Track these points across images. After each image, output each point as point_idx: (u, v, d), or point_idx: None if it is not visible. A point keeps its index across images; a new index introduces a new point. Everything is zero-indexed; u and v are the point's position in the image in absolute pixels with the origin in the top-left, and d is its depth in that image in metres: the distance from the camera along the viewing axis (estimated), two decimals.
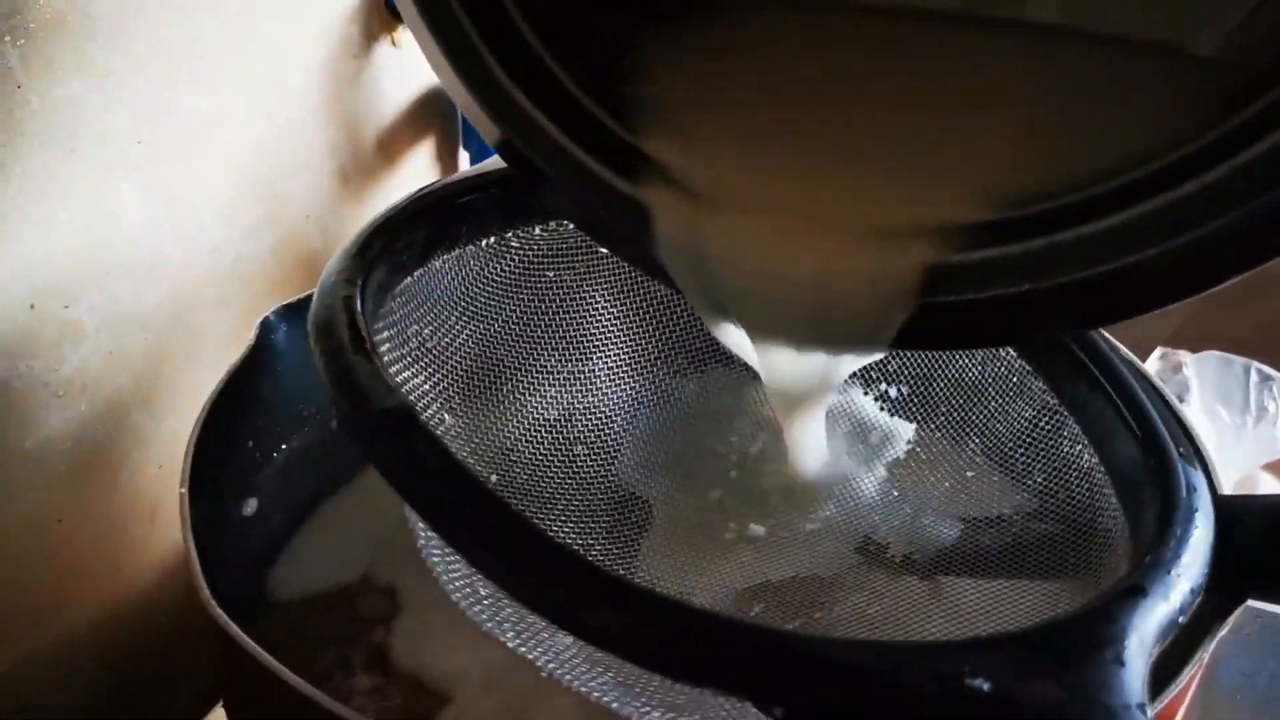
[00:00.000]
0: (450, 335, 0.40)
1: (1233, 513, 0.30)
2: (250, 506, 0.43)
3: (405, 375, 0.38)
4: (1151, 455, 0.32)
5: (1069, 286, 0.27)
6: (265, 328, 0.42)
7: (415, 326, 0.38)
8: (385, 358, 0.36)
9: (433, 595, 0.41)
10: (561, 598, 0.24)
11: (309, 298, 0.41)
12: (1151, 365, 0.59)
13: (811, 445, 0.35)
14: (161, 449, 0.46)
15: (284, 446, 0.45)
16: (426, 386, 0.39)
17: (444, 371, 0.40)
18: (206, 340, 0.47)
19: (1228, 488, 0.54)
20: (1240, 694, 0.47)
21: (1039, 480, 0.37)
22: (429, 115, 0.62)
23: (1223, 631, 0.31)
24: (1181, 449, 0.31)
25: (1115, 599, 0.25)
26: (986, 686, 0.23)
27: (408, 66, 0.58)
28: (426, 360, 0.39)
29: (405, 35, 0.56)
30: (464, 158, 0.65)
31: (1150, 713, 0.24)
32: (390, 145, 0.59)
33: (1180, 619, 0.27)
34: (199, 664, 0.33)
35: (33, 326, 0.40)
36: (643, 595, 0.24)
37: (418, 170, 0.61)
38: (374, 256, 0.35)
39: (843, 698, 0.23)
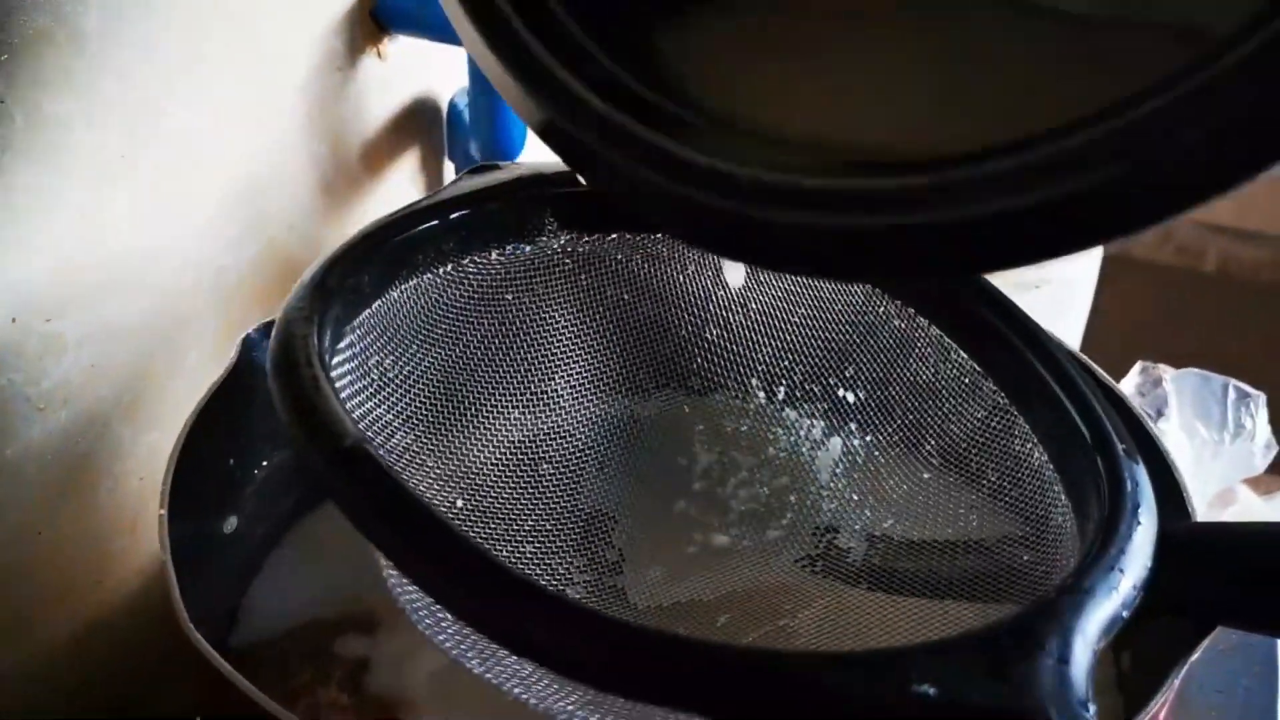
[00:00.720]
0: (411, 364, 0.41)
1: (1204, 540, 0.31)
2: (231, 524, 0.43)
3: (368, 406, 0.38)
4: (1096, 451, 0.32)
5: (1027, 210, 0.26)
6: (247, 345, 0.42)
7: (376, 357, 0.39)
8: (346, 390, 0.37)
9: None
10: (516, 624, 0.25)
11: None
12: (1131, 379, 0.60)
13: None
14: (143, 461, 0.46)
15: (264, 463, 0.45)
16: (389, 416, 0.39)
17: (407, 400, 0.40)
18: (189, 352, 0.48)
19: (1205, 503, 0.56)
20: (1215, 711, 0.48)
21: (993, 479, 0.38)
22: (413, 127, 0.62)
23: (1194, 656, 0.32)
24: (1125, 446, 0.32)
25: (1056, 599, 0.26)
26: (933, 692, 0.24)
27: (392, 79, 0.58)
28: (389, 390, 0.39)
29: (390, 48, 0.57)
30: (448, 168, 0.66)
31: (1093, 709, 0.24)
32: (374, 157, 0.59)
33: (1124, 614, 0.27)
34: (181, 675, 0.34)
35: (14, 340, 0.40)
36: (595, 618, 0.25)
37: (402, 181, 0.62)
38: (330, 291, 0.36)
39: (793, 708, 0.24)
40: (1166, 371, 0.59)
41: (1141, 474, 0.31)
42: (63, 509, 0.44)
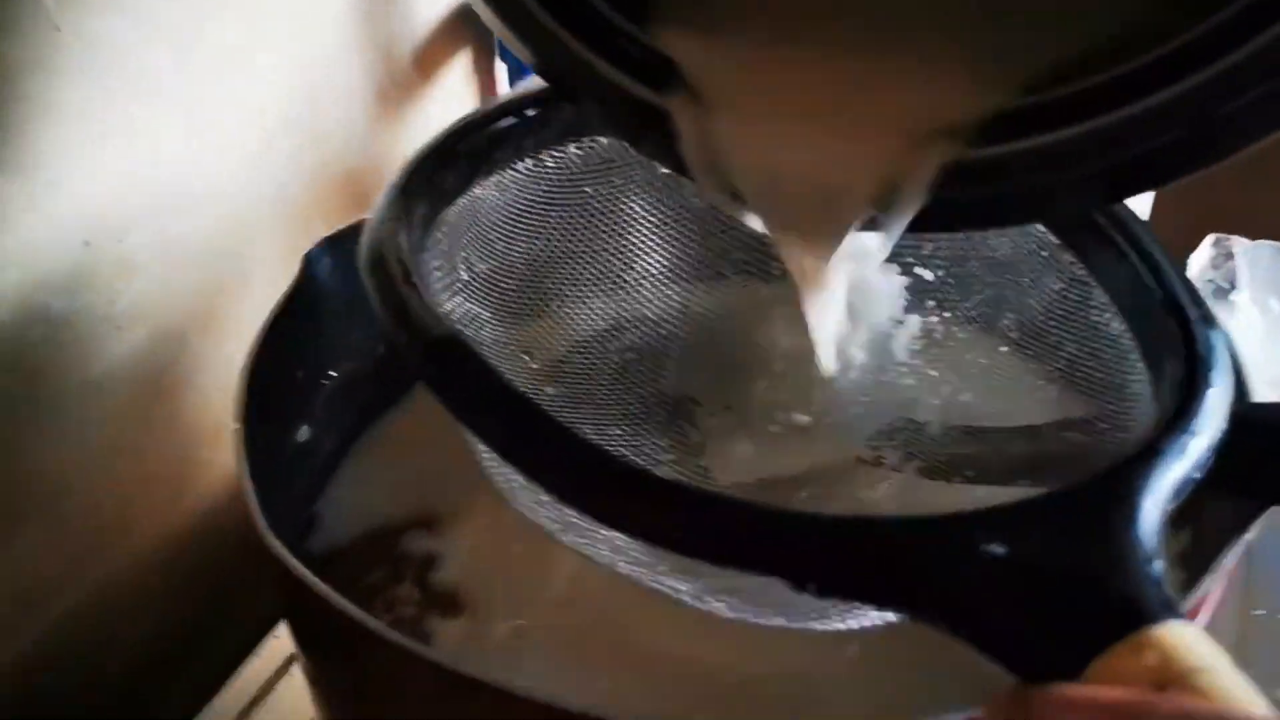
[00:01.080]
0: (496, 258, 0.42)
1: (1259, 419, 0.31)
2: (303, 434, 0.45)
3: (456, 301, 0.40)
4: (1172, 318, 0.33)
5: (1089, 176, 0.28)
6: (309, 261, 0.43)
7: (463, 253, 0.40)
8: (436, 285, 0.38)
9: (481, 511, 0.43)
10: (612, 502, 0.27)
11: (350, 229, 0.43)
12: (1203, 253, 0.59)
13: (830, 332, 0.37)
14: (222, 373, 0.47)
15: (332, 374, 0.46)
16: (478, 309, 0.41)
17: (494, 293, 0.42)
18: (256, 266, 0.49)
19: (1273, 381, 0.55)
20: None
21: (1070, 351, 0.38)
22: (463, 31, 0.62)
23: (1248, 536, 0.32)
24: (1201, 311, 0.32)
25: (1128, 460, 0.27)
26: (1002, 551, 0.25)
27: None
28: (476, 285, 0.41)
29: None
30: (501, 70, 0.66)
31: (1161, 565, 0.25)
32: (426, 63, 0.60)
33: (1196, 475, 0.28)
34: (263, 579, 0.36)
35: (89, 263, 0.42)
36: (686, 492, 0.26)
37: (454, 86, 0.62)
38: (415, 191, 0.37)
39: (867, 570, 0.25)
40: (1239, 244, 0.58)
41: (1217, 338, 0.31)
42: (148, 422, 0.46)
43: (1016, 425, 0.38)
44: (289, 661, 0.51)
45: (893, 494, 0.38)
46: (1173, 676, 0.22)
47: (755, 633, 0.31)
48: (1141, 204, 0.71)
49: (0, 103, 0.37)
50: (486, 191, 0.41)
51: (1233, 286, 0.57)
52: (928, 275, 0.43)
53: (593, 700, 0.27)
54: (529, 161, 0.43)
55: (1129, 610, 0.24)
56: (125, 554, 0.47)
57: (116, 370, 0.44)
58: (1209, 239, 0.60)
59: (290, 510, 0.44)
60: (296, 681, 0.50)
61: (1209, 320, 0.32)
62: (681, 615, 0.32)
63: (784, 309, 0.45)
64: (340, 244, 0.43)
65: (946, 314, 0.43)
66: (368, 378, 0.48)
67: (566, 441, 0.27)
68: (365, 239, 0.35)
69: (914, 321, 0.43)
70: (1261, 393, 0.52)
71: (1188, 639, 0.23)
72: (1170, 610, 0.24)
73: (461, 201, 0.40)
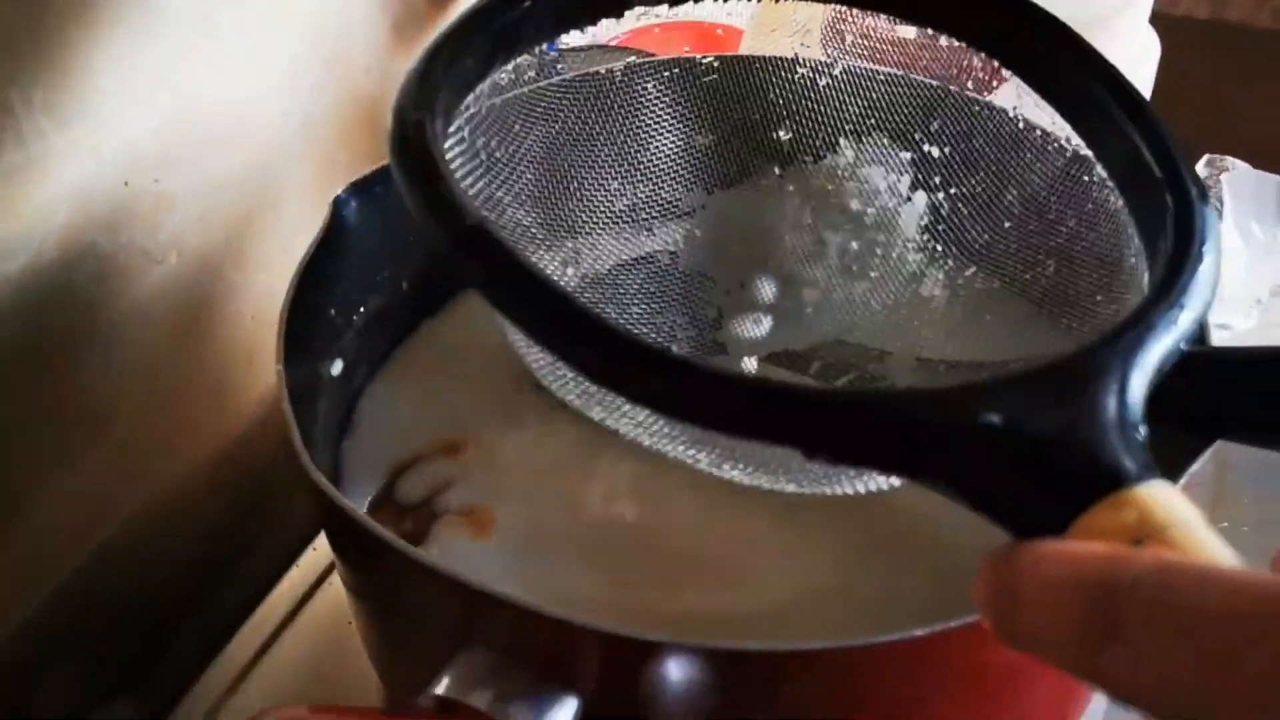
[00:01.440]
0: (516, 142, 0.43)
1: (1210, 359, 0.33)
2: (337, 367, 0.47)
3: (480, 185, 0.41)
4: (1168, 193, 0.34)
5: None
6: (337, 205, 0.45)
7: (483, 139, 0.41)
8: (460, 172, 0.40)
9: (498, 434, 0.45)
10: (637, 379, 0.28)
11: (375, 174, 0.44)
12: (1198, 171, 0.60)
13: None
14: (255, 302, 0.51)
15: (362, 310, 0.48)
16: (500, 194, 0.42)
17: (515, 178, 0.43)
18: (287, 198, 0.51)
19: (1248, 304, 0.56)
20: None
21: (1071, 225, 0.39)
22: None
23: (1194, 468, 0.34)
24: (1196, 189, 0.34)
25: (1117, 333, 0.29)
26: (998, 419, 0.27)
27: None
28: (498, 169, 0.42)
29: None
30: None
31: (1144, 431, 0.27)
32: None
33: (1182, 346, 0.30)
34: (300, 492, 0.39)
35: (129, 201, 0.44)
36: (699, 370, 0.28)
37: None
38: (436, 80, 0.38)
39: (873, 440, 0.27)
40: (1234, 164, 0.59)
41: (1209, 214, 0.33)
42: (186, 347, 0.49)
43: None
44: (329, 569, 0.54)
45: (900, 364, 0.40)
46: (1150, 531, 0.24)
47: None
48: None
49: (48, 54, 0.39)
50: (504, 76, 0.42)
51: (1218, 209, 0.58)
52: (934, 152, 0.44)
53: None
54: (544, 45, 0.43)
55: (1111, 472, 0.25)
56: (174, 468, 0.50)
57: (157, 300, 0.46)
58: (1203, 158, 0.62)
59: (327, 437, 0.46)
60: (335, 590, 0.53)
61: (1203, 197, 0.33)
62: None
63: (794, 188, 0.47)
64: (366, 188, 0.45)
65: (953, 190, 0.44)
66: (395, 310, 0.50)
67: (590, 324, 0.29)
68: (392, 130, 0.36)
69: (920, 199, 0.44)
70: (1245, 311, 0.55)
71: (1166, 497, 0.25)
72: (1151, 471, 0.26)
73: (481, 87, 0.41)
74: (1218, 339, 0.61)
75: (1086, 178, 0.39)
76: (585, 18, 0.44)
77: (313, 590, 0.54)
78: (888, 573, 0.37)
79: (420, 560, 0.33)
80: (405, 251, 0.47)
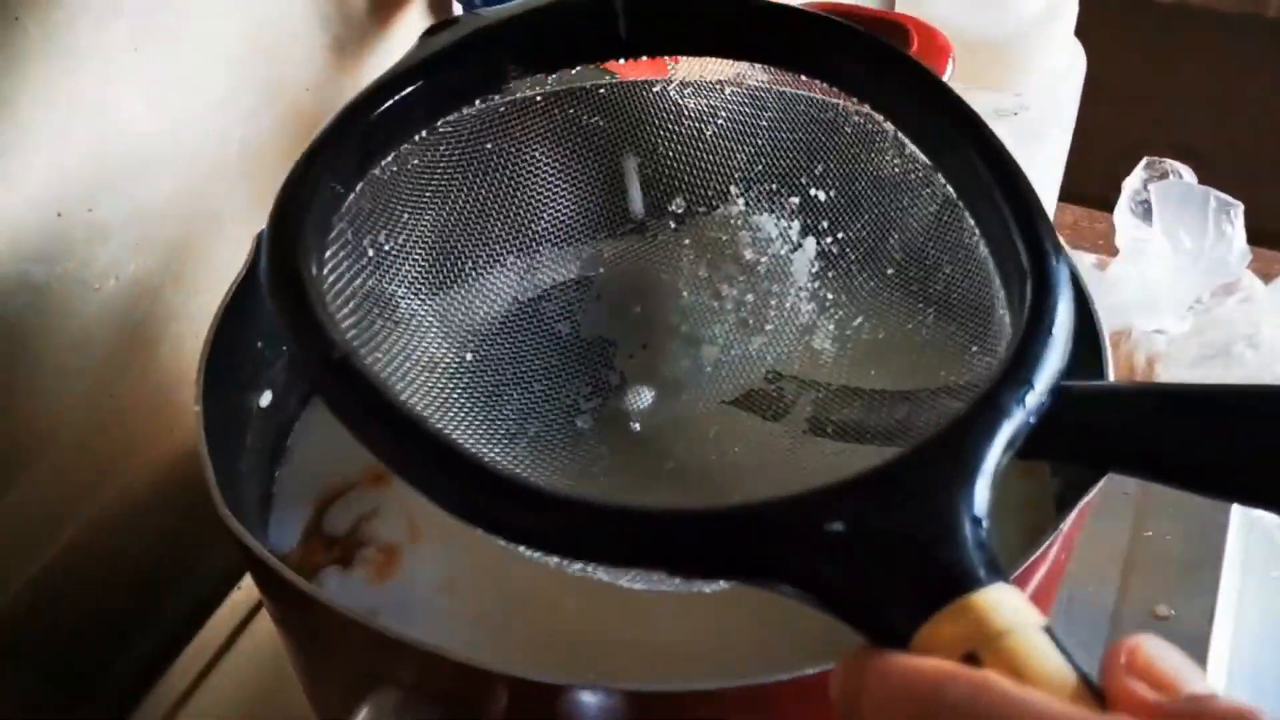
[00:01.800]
0: (405, 231, 0.43)
1: (1098, 395, 0.33)
2: (266, 398, 0.47)
3: (370, 284, 0.42)
4: (1024, 249, 0.34)
5: None
6: (260, 241, 0.43)
7: (369, 236, 0.42)
8: (344, 277, 0.40)
9: None
10: (487, 509, 0.29)
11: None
12: (1136, 175, 0.61)
13: None
14: (197, 321, 0.50)
15: None
16: (392, 287, 0.42)
17: (407, 268, 0.43)
18: (225, 219, 0.52)
19: (1183, 306, 0.57)
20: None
21: (947, 272, 0.40)
22: None
23: (1084, 500, 0.35)
24: (1050, 246, 0.34)
25: (959, 423, 0.29)
26: (841, 527, 0.27)
27: None
28: (388, 263, 0.43)
29: None
30: (458, 10, 0.66)
31: (987, 528, 0.28)
32: (382, 7, 0.60)
33: (1031, 420, 0.30)
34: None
35: (62, 231, 0.45)
36: (545, 496, 0.29)
37: (413, 29, 0.62)
38: (308, 192, 0.38)
39: (719, 556, 0.28)
40: (1176, 166, 0.60)
41: (1064, 283, 0.33)
42: (128, 370, 0.50)
43: (895, 389, 0.40)
44: None
45: (796, 425, 0.40)
46: (985, 641, 0.25)
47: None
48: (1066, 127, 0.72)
49: None
50: (384, 171, 0.42)
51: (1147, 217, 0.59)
52: (821, 195, 0.45)
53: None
54: (423, 132, 0.44)
55: (953, 577, 0.26)
56: (117, 491, 0.51)
57: (95, 327, 0.48)
58: (1143, 161, 0.62)
59: (258, 466, 0.47)
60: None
61: (1059, 260, 0.33)
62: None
63: (689, 242, 0.47)
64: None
65: (840, 234, 0.44)
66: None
67: (448, 460, 0.30)
68: (264, 252, 0.36)
69: (810, 245, 0.45)
70: (1178, 315, 0.55)
71: (1005, 603, 0.25)
72: (994, 573, 0.26)
73: (360, 186, 0.41)
74: (1153, 343, 0.62)
75: (958, 223, 0.39)
76: (460, 101, 0.44)
77: (255, 610, 0.55)
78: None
79: (325, 603, 0.34)
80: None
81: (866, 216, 0.43)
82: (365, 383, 0.32)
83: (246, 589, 0.56)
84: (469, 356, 0.43)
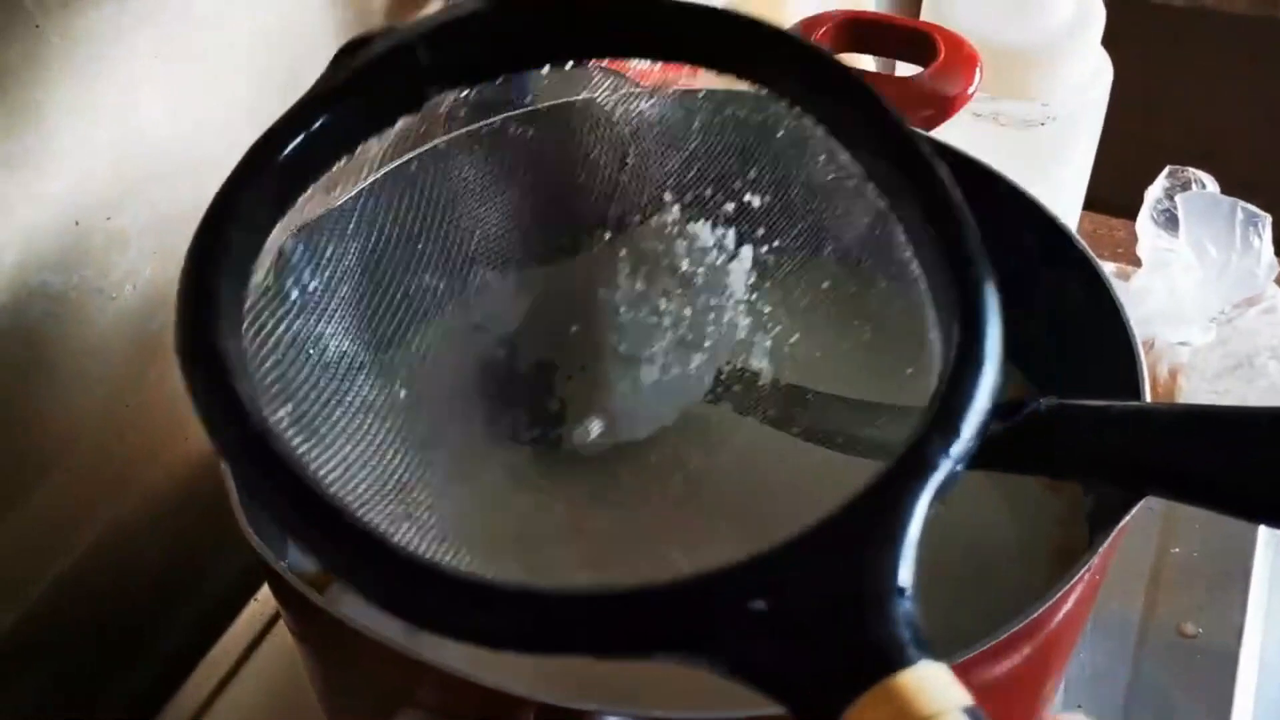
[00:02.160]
0: (330, 266, 0.42)
1: (1140, 414, 0.32)
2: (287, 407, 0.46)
3: (296, 327, 0.40)
4: (953, 274, 0.33)
5: None
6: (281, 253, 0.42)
7: (290, 277, 0.41)
8: (268, 325, 0.39)
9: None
10: (399, 598, 0.28)
11: (321, 217, 0.42)
12: (1159, 184, 0.60)
13: None
14: None
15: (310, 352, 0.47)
16: (319, 329, 0.41)
17: (331, 304, 0.42)
18: None
19: (1206, 321, 0.56)
20: None
21: (882, 286, 0.39)
22: None
23: (1124, 521, 0.34)
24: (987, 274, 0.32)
25: (882, 484, 0.28)
26: (763, 605, 0.26)
27: None
28: (313, 303, 0.41)
29: None
30: None
31: (911, 595, 0.27)
32: (399, 13, 0.59)
33: (959, 469, 0.29)
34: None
35: (80, 241, 0.46)
36: (461, 584, 0.28)
37: None
38: (221, 250, 0.37)
39: (637, 637, 0.27)
40: (1198, 175, 0.58)
41: (992, 305, 0.32)
42: (145, 378, 0.50)
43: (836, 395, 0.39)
44: None
45: (736, 453, 0.39)
46: None
47: None
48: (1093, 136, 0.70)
49: None
50: (302, 208, 0.41)
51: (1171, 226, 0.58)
52: (755, 201, 0.43)
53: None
54: (343, 160, 0.42)
55: (877, 656, 0.25)
56: (134, 497, 0.52)
57: (112, 334, 0.48)
58: (1165, 170, 0.62)
59: None
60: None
61: (985, 286, 0.32)
62: None
63: (626, 254, 0.46)
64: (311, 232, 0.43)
65: (776, 243, 0.43)
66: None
67: (359, 549, 0.29)
68: (176, 328, 0.35)
69: (747, 254, 0.43)
70: (1202, 326, 0.54)
71: (929, 683, 0.25)
72: (919, 650, 0.25)
73: (274, 233, 0.40)
74: (1176, 354, 0.61)
75: (891, 238, 0.38)
76: (380, 123, 0.43)
77: (274, 621, 0.55)
78: None
79: (350, 623, 0.34)
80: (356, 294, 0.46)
81: (802, 225, 0.42)
82: (277, 461, 0.31)
83: (264, 599, 0.56)
84: (403, 393, 0.42)
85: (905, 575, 0.27)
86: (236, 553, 0.55)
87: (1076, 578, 0.33)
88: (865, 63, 0.65)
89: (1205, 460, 0.33)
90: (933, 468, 0.29)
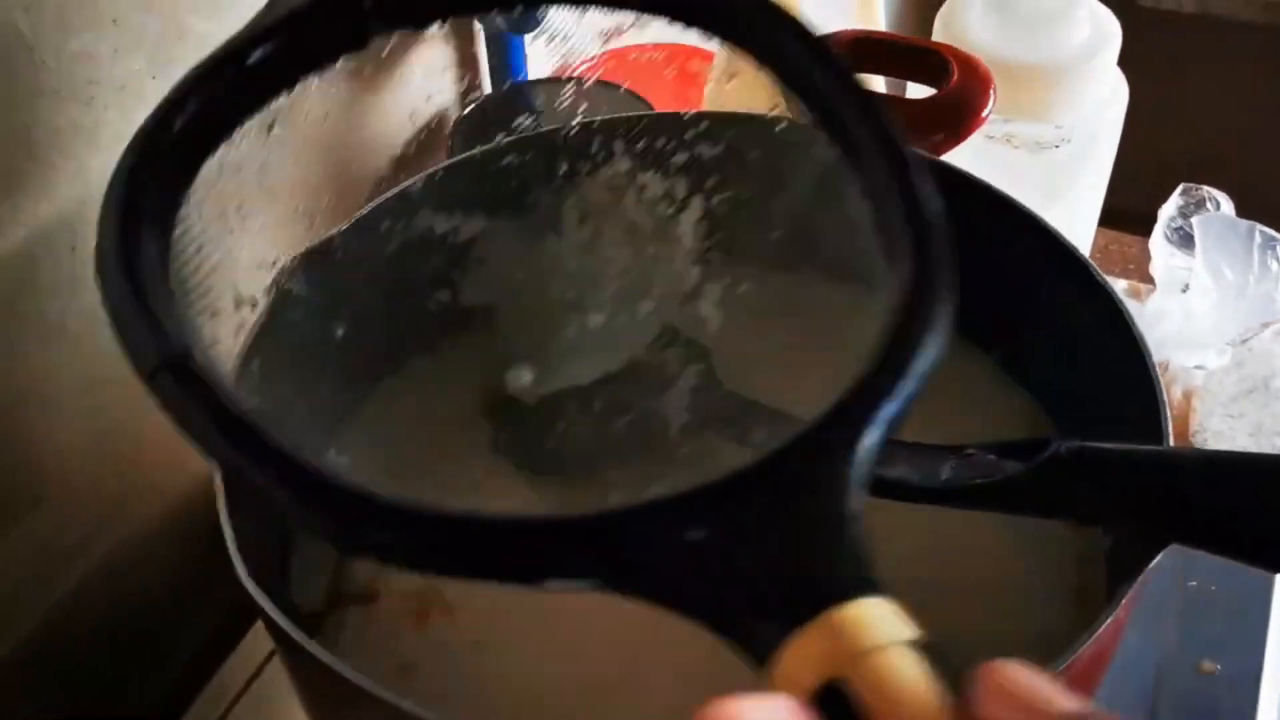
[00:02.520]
0: (265, 194, 0.41)
1: (1164, 460, 0.31)
2: None
3: (230, 256, 0.39)
4: (905, 223, 0.32)
5: None
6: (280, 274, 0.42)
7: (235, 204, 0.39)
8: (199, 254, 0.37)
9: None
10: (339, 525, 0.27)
11: (321, 244, 0.41)
12: (1173, 201, 0.59)
13: None
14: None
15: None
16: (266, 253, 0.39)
17: (270, 230, 0.40)
18: (243, 249, 0.50)
19: (1222, 345, 0.56)
20: None
21: (832, 240, 0.38)
22: None
23: (1146, 570, 0.33)
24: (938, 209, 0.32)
25: (826, 421, 0.27)
26: (701, 535, 0.26)
27: None
28: (252, 232, 0.40)
29: None
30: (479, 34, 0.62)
31: (859, 531, 0.26)
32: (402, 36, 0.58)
33: (909, 403, 0.28)
34: None
35: (76, 267, 0.45)
36: (392, 508, 0.27)
37: (430, 55, 0.60)
38: (138, 196, 0.35)
39: (575, 564, 0.26)
40: (1213, 193, 0.58)
41: (942, 234, 0.31)
42: (142, 407, 0.47)
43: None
44: None
45: (680, 397, 0.39)
46: (846, 661, 0.23)
47: None
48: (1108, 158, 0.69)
49: None
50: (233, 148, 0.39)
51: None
52: (705, 152, 0.43)
53: None
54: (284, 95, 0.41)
55: (819, 588, 0.24)
56: (130, 528, 0.51)
57: (108, 363, 0.45)
58: (1179, 187, 0.61)
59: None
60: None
61: (935, 213, 0.31)
62: None
63: (574, 201, 0.45)
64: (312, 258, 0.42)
65: (727, 193, 0.42)
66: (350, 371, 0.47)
67: (280, 465, 0.28)
68: (95, 257, 0.33)
69: (696, 204, 0.43)
70: (1218, 350, 0.53)
71: (872, 617, 0.23)
72: (864, 584, 0.24)
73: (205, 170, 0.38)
74: (1191, 378, 0.60)
75: (844, 189, 0.37)
76: (321, 61, 0.41)
77: (271, 655, 0.53)
78: None
79: (351, 678, 0.32)
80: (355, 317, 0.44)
81: (753, 176, 0.41)
82: (200, 382, 0.30)
83: (260, 633, 0.53)
84: (339, 332, 0.41)
85: (853, 503, 0.26)
86: (235, 583, 0.55)
87: (1102, 628, 0.32)
88: (875, 84, 0.63)
89: (1231, 510, 0.32)
90: (885, 395, 0.28)
